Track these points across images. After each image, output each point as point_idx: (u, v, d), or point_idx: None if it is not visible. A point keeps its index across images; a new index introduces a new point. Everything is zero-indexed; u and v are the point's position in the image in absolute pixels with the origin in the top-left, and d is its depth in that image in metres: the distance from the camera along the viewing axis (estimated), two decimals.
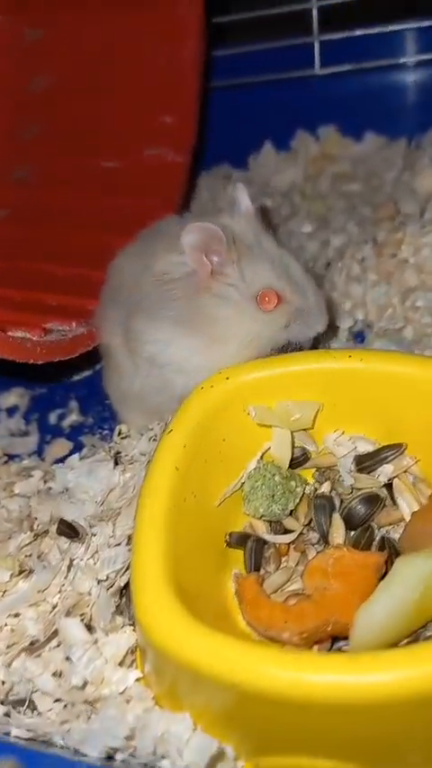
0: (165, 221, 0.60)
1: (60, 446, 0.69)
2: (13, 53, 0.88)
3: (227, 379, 0.50)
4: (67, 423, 0.73)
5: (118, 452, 0.64)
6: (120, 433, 0.66)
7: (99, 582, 0.49)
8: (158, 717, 0.42)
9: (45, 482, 0.62)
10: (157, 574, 0.40)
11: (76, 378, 0.79)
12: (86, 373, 0.78)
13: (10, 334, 0.62)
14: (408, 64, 0.95)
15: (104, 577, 0.49)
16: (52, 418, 0.74)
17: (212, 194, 0.98)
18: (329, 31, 0.94)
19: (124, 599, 0.49)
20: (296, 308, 0.53)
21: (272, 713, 0.37)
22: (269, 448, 0.51)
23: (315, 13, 0.91)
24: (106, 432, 0.70)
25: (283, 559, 0.49)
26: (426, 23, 0.91)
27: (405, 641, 0.40)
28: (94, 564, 0.50)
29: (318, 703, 0.34)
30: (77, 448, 0.69)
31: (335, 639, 0.42)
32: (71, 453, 0.67)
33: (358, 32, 0.92)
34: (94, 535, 0.52)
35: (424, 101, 0.94)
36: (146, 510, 0.44)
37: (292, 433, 0.50)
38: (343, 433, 0.50)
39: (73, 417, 0.74)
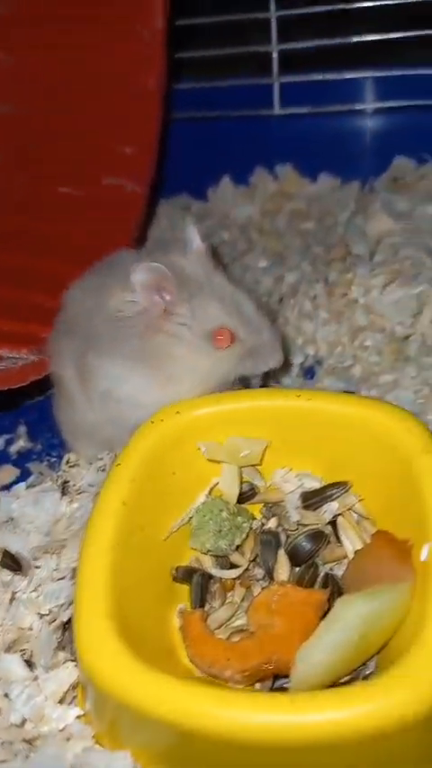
0: (119, 255, 0.60)
1: (6, 472, 0.68)
2: None
3: (177, 413, 0.50)
4: (14, 449, 0.72)
5: (66, 482, 0.63)
6: (68, 462, 0.65)
7: (41, 616, 0.48)
8: (98, 755, 0.41)
9: None
10: (99, 610, 0.40)
11: (26, 402, 0.78)
12: (37, 398, 0.77)
13: None
14: (366, 110, 0.99)
15: (47, 612, 0.48)
16: None
17: (171, 223, 0.99)
18: (290, 74, 0.97)
19: (67, 634, 0.49)
20: (250, 346, 0.54)
21: (211, 753, 0.37)
22: (218, 482, 0.51)
23: (275, 56, 0.95)
24: (54, 459, 0.69)
25: (229, 594, 0.49)
26: (381, 73, 0.96)
27: (346, 678, 0.41)
28: (37, 598, 0.49)
29: (255, 743, 0.34)
30: (24, 475, 0.68)
31: (277, 677, 0.42)
32: (18, 480, 0.67)
33: (316, 77, 0.95)
34: (38, 567, 0.51)
35: (378, 147, 0.98)
36: (90, 545, 0.43)
37: (240, 468, 0.51)
38: (290, 469, 0.51)
39: (21, 443, 0.72)
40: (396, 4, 0.89)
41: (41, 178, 0.82)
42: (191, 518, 0.50)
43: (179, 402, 0.51)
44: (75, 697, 0.46)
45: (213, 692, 0.35)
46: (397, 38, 0.90)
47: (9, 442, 0.73)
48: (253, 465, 0.52)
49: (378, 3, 0.90)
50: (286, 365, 0.68)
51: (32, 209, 0.79)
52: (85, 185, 0.81)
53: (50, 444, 0.71)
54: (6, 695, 0.44)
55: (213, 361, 0.54)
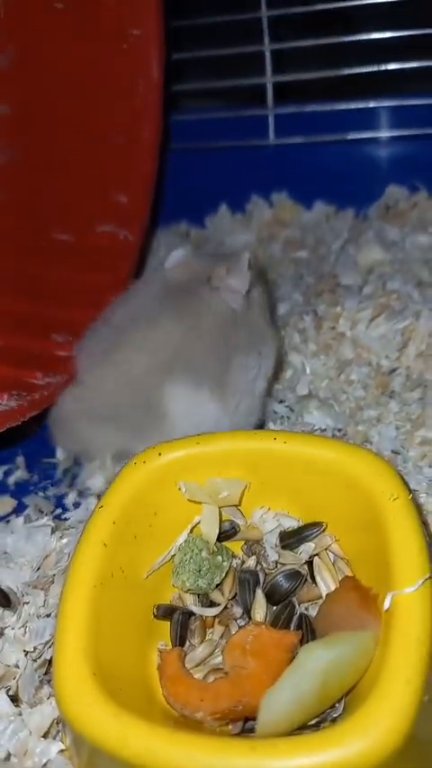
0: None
1: (4, 504, 0.70)
2: None
3: (159, 455, 0.52)
4: (12, 480, 0.74)
5: (58, 516, 0.65)
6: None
7: (27, 653, 0.50)
8: None
9: None
10: (78, 652, 0.42)
11: (24, 432, 0.79)
12: (34, 428, 0.79)
13: None
14: (360, 140, 1.00)
15: (32, 649, 0.50)
16: None
17: (169, 251, 1.01)
18: (285, 104, 0.99)
19: (51, 670, 0.50)
20: None
21: None
22: (199, 521, 0.53)
23: (269, 87, 0.96)
24: (50, 492, 0.71)
25: (209, 632, 0.51)
26: (375, 104, 0.97)
27: (313, 721, 0.42)
28: (24, 635, 0.51)
29: None
30: (21, 506, 0.70)
31: (248, 718, 0.44)
32: (15, 511, 0.69)
33: (310, 108, 0.97)
34: (26, 603, 0.53)
35: (372, 175, 0.99)
36: (71, 587, 0.45)
37: (220, 509, 0.52)
38: (269, 509, 0.53)
39: (18, 474, 0.74)
40: (390, 37, 0.90)
41: (37, 224, 0.84)
42: (173, 556, 0.52)
43: (161, 444, 0.53)
44: (59, 731, 0.48)
45: (178, 737, 0.37)
46: (390, 69, 0.91)
47: (7, 473, 0.75)
48: (233, 505, 0.53)
49: (371, 36, 0.91)
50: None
51: (26, 254, 0.81)
52: (79, 232, 0.83)
53: (47, 476, 0.73)
54: None
55: None
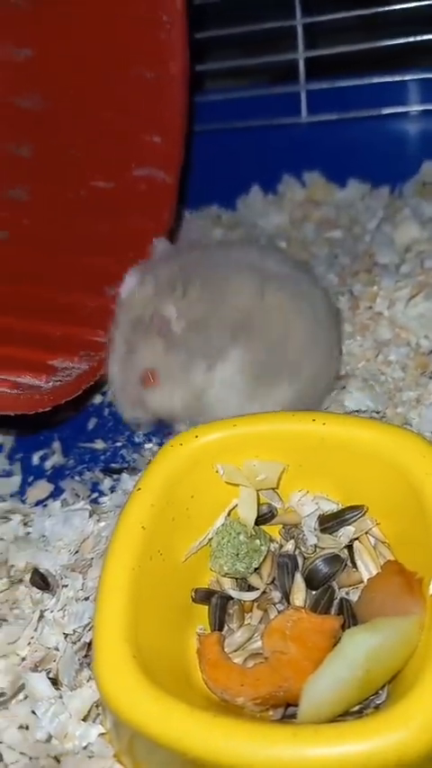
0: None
1: (41, 489, 0.71)
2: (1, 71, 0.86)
3: (196, 437, 0.51)
4: (49, 464, 0.74)
5: (95, 500, 0.65)
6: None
7: (66, 636, 0.50)
8: None
9: (25, 525, 0.63)
10: (117, 635, 0.42)
11: (60, 416, 0.80)
12: (71, 415, 0.79)
13: (18, 380, 0.61)
14: (395, 115, 0.97)
15: (71, 632, 0.50)
16: (35, 459, 0.75)
17: (202, 234, 1.00)
18: (316, 80, 0.97)
19: (90, 653, 0.50)
20: None
21: None
22: (237, 504, 0.52)
23: (301, 64, 0.94)
24: (87, 475, 0.71)
25: (247, 616, 0.50)
26: (409, 77, 0.94)
27: (356, 707, 0.41)
28: (63, 618, 0.51)
29: None
30: (57, 490, 0.70)
31: (289, 703, 0.43)
32: (51, 496, 0.69)
33: (342, 83, 0.94)
34: (65, 586, 0.53)
35: (408, 151, 0.96)
36: (109, 570, 0.45)
37: (257, 491, 0.52)
38: (307, 492, 0.52)
39: (55, 458, 0.75)
40: (421, 6, 0.87)
41: (74, 172, 0.81)
42: (210, 540, 0.51)
43: (198, 426, 0.52)
44: (98, 715, 0.48)
45: (219, 721, 0.36)
46: (423, 40, 0.88)
47: (44, 458, 0.75)
48: (270, 488, 0.52)
49: (402, 6, 0.88)
50: None
51: (69, 205, 0.78)
52: (117, 177, 0.80)
53: (82, 460, 0.74)
54: (33, 712, 0.47)
55: None
